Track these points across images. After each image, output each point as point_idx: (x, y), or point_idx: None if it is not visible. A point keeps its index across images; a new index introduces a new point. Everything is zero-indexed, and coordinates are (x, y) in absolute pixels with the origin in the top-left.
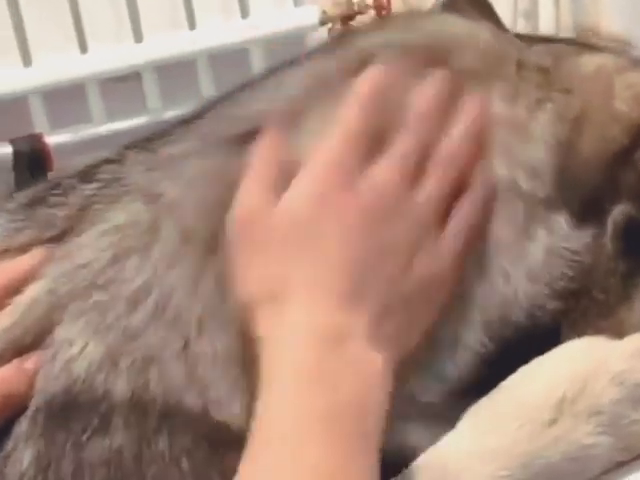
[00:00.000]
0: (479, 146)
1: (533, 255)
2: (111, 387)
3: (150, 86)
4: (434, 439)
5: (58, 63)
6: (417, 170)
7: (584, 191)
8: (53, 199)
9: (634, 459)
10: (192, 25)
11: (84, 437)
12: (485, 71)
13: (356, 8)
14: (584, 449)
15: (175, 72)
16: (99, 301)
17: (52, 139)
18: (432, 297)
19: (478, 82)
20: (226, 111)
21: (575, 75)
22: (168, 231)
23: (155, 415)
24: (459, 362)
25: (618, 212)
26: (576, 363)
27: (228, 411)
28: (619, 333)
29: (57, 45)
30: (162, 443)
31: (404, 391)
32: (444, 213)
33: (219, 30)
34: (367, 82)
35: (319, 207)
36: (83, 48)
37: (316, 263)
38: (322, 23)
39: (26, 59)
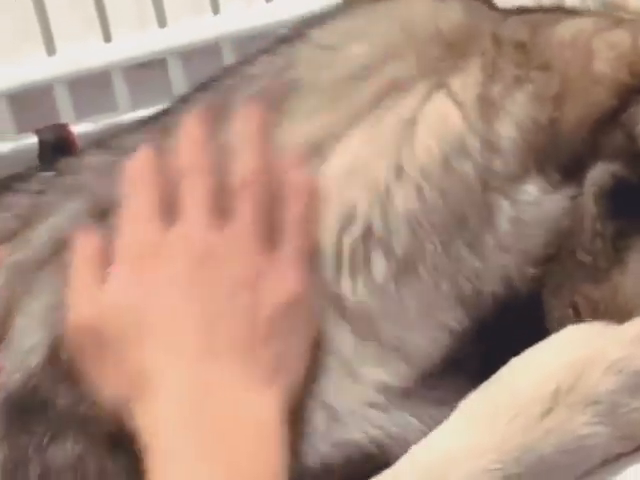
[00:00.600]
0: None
1: (499, 226)
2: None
3: (175, 72)
4: (426, 424)
5: (82, 52)
6: (222, 205)
7: (563, 157)
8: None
9: (636, 450)
10: (216, 9)
11: (45, 441)
12: (459, 50)
13: None
14: (579, 440)
15: (200, 58)
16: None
17: (77, 128)
18: (297, 315)
19: (453, 61)
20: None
21: (553, 45)
22: None
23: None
24: (434, 342)
25: (601, 172)
26: (572, 351)
27: None
28: (613, 299)
29: (80, 34)
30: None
31: (375, 380)
32: (270, 230)
33: (243, 14)
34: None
35: (141, 290)
36: (107, 36)
37: (163, 337)
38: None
39: (50, 48)
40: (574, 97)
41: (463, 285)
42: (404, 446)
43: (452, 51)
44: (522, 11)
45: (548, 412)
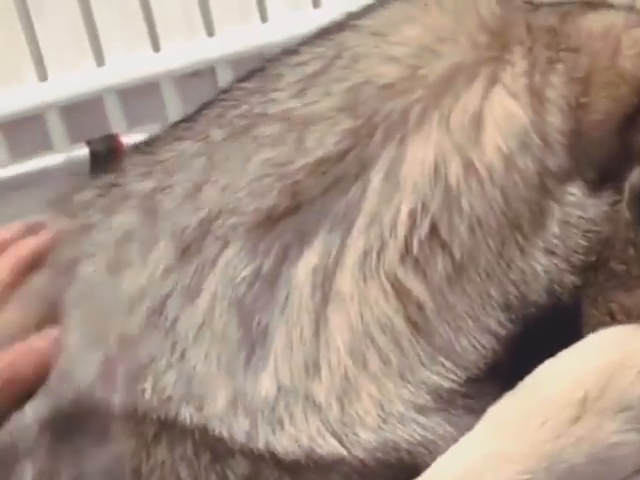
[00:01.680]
0: None
1: (549, 228)
2: (109, 397)
3: (224, 80)
4: (459, 432)
5: (131, 62)
6: None
7: (599, 156)
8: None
9: None
10: (264, 18)
11: (84, 448)
12: (502, 39)
13: None
14: (610, 449)
15: (249, 65)
16: (97, 305)
17: (128, 138)
18: None
19: (499, 52)
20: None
21: (583, 33)
22: (165, 245)
23: (153, 425)
24: (479, 344)
25: (635, 176)
26: (601, 355)
27: (229, 426)
28: None
29: (129, 44)
30: (161, 453)
31: (426, 382)
32: None
33: (291, 22)
34: None
35: None
36: (155, 46)
37: None
38: None
39: (99, 59)
40: (601, 88)
41: (510, 290)
42: (435, 454)
43: (497, 40)
44: (554, 3)
45: (577, 420)
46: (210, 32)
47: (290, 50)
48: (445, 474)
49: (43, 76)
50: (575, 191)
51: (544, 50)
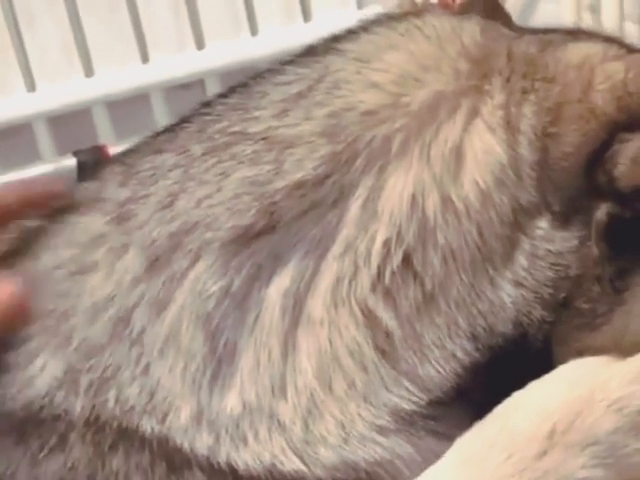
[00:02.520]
0: None
1: (517, 260)
2: (70, 405)
3: (214, 92)
4: (419, 453)
5: (120, 73)
6: None
7: (567, 188)
8: None
9: None
10: (254, 31)
11: (41, 454)
12: (482, 68)
13: (420, 7)
14: None
15: (238, 78)
16: (60, 311)
17: (116, 150)
18: None
19: (480, 82)
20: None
21: (560, 64)
22: (135, 255)
23: (112, 434)
24: (442, 370)
25: (600, 213)
26: (571, 388)
27: (191, 439)
28: (617, 342)
29: (118, 55)
30: (117, 462)
31: (387, 403)
32: None
33: (281, 35)
34: None
35: None
36: (145, 58)
37: None
38: None
39: (88, 70)
40: (571, 121)
41: (479, 321)
42: (393, 475)
43: (478, 68)
44: (541, 30)
45: (544, 454)
46: (200, 45)
47: (275, 69)
48: None
49: (31, 87)
50: (543, 225)
51: (521, 80)
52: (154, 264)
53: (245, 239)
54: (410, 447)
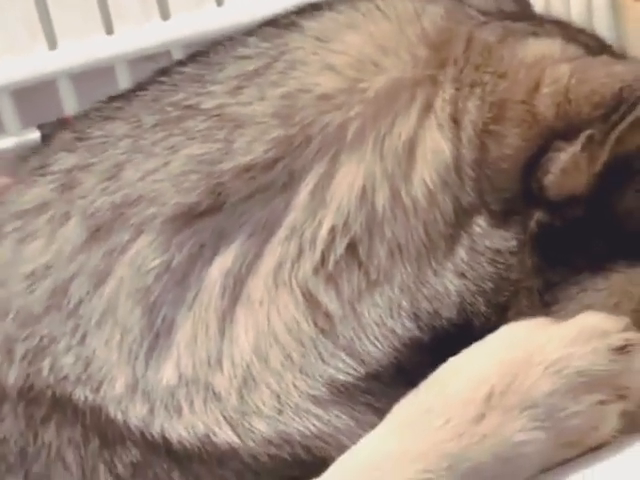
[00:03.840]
0: None
1: (458, 254)
2: (4, 374)
3: None
4: (362, 429)
5: (85, 45)
6: None
7: (504, 189)
8: None
9: (581, 456)
10: (219, 1)
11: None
12: (440, 55)
13: None
14: (516, 447)
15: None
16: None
17: None
18: None
19: (436, 71)
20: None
21: (515, 59)
22: (77, 224)
23: (45, 405)
24: (381, 345)
25: (534, 222)
26: (509, 351)
27: (125, 410)
28: None
29: (83, 27)
30: (49, 436)
31: (323, 375)
32: None
33: (247, 6)
34: None
35: None
36: (109, 29)
37: None
38: None
39: (52, 42)
40: (514, 123)
41: (422, 304)
42: (337, 449)
43: (435, 55)
44: (511, 17)
45: (481, 418)
46: (165, 15)
47: (237, 39)
48: (345, 473)
49: None
50: (481, 222)
51: (473, 72)
52: (95, 235)
53: (189, 217)
54: (350, 421)
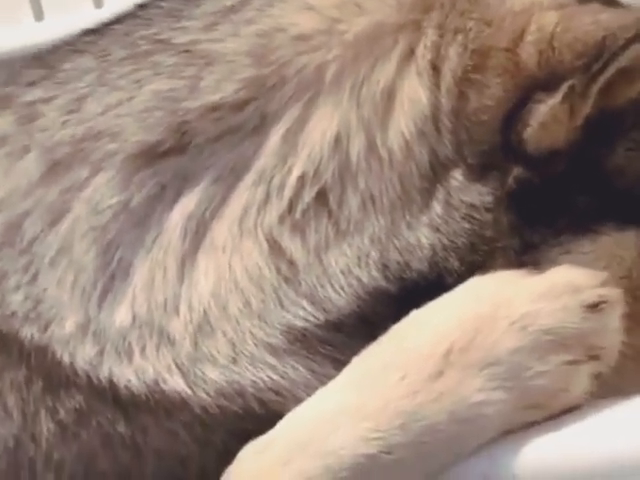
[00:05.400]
0: None
1: (433, 208)
2: None
3: None
4: (321, 382)
5: (14, 31)
6: None
7: (483, 142)
8: None
9: (548, 419)
10: None
11: None
12: (420, 2)
13: None
14: (474, 407)
15: None
16: None
17: None
18: None
19: (420, 15)
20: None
21: (503, 6)
22: (35, 158)
23: None
24: (344, 293)
25: (511, 178)
26: (474, 305)
27: (73, 351)
28: None
29: (12, 14)
30: None
31: (279, 319)
32: None
33: None
34: None
35: None
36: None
37: None
38: None
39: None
40: (496, 73)
41: (393, 256)
42: (293, 404)
43: (421, 0)
44: None
45: (440, 374)
46: (98, 4)
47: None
48: (296, 426)
49: None
50: (458, 176)
51: (457, 18)
52: (53, 169)
53: (151, 156)
54: (307, 372)
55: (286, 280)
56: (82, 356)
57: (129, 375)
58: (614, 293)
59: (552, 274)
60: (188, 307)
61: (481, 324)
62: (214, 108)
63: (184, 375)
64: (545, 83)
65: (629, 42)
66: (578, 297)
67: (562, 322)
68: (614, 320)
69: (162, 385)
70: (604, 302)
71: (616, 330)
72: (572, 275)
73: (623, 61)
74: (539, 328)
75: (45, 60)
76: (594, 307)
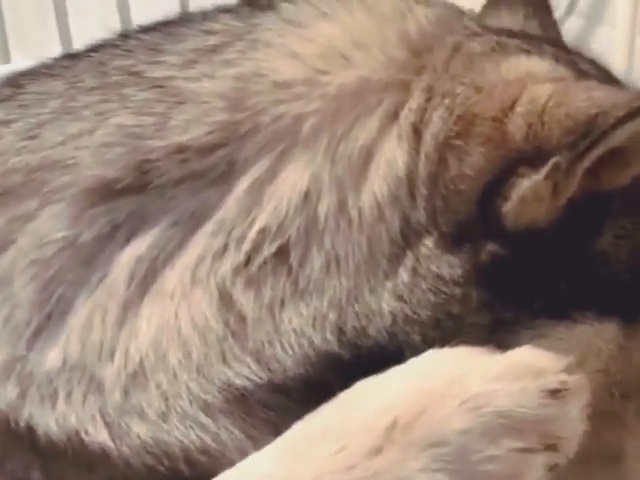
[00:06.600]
0: None
1: (399, 275)
2: None
3: None
4: (255, 449)
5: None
6: None
7: (458, 214)
8: None
9: None
10: None
11: None
12: (418, 60)
13: None
14: None
15: None
16: None
17: None
18: None
19: (410, 76)
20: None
21: (496, 73)
22: None
23: None
24: (293, 353)
25: (485, 253)
26: (424, 379)
27: None
28: None
29: None
30: None
31: (219, 375)
32: None
33: None
34: None
35: None
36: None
37: None
38: None
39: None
40: (480, 141)
41: (351, 321)
42: (225, 467)
43: (414, 60)
44: (509, 34)
45: (379, 450)
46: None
47: (208, 13)
48: None
49: None
50: (429, 243)
51: (448, 82)
52: (2, 198)
53: (106, 192)
54: (242, 436)
55: (233, 334)
56: (2, 396)
57: (49, 421)
58: (578, 380)
59: (513, 354)
60: (124, 354)
61: (430, 400)
62: (180, 149)
63: (108, 427)
64: (531, 158)
65: (620, 121)
66: (538, 381)
67: (518, 406)
68: (575, 409)
69: (83, 436)
70: (566, 389)
71: (577, 420)
72: (534, 357)
73: (613, 141)
74: (493, 410)
75: (16, 79)
76: (555, 393)
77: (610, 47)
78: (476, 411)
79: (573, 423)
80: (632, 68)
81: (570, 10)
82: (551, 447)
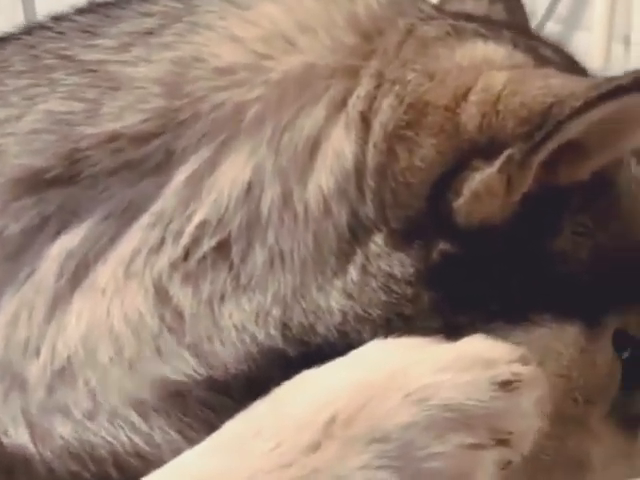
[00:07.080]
0: None
1: (349, 273)
2: None
3: None
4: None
5: None
6: None
7: (408, 209)
8: None
9: None
10: None
11: None
12: (367, 45)
13: None
14: None
15: None
16: None
17: None
18: None
19: (359, 62)
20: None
21: (450, 59)
22: None
23: None
24: (234, 348)
25: (437, 252)
26: (370, 370)
27: None
28: None
29: None
30: None
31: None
32: None
33: None
34: None
35: None
36: None
37: None
38: None
39: None
40: (432, 133)
41: (297, 317)
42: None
43: (364, 45)
44: (467, 17)
45: (317, 447)
46: None
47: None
48: None
49: None
50: (378, 240)
51: (399, 68)
52: None
53: (34, 183)
54: (178, 437)
55: (169, 329)
56: None
57: None
58: (532, 371)
59: (462, 344)
60: (51, 350)
61: (372, 393)
62: (113, 138)
63: (30, 427)
64: (485, 150)
65: (577, 111)
66: (489, 372)
67: (467, 398)
68: (529, 402)
69: (2, 438)
70: (519, 380)
71: (531, 413)
72: (485, 347)
73: (570, 132)
74: (439, 403)
75: None
76: (507, 385)
77: (588, 51)
78: (421, 404)
79: (526, 417)
80: (609, 73)
81: (548, 15)
82: (503, 443)
